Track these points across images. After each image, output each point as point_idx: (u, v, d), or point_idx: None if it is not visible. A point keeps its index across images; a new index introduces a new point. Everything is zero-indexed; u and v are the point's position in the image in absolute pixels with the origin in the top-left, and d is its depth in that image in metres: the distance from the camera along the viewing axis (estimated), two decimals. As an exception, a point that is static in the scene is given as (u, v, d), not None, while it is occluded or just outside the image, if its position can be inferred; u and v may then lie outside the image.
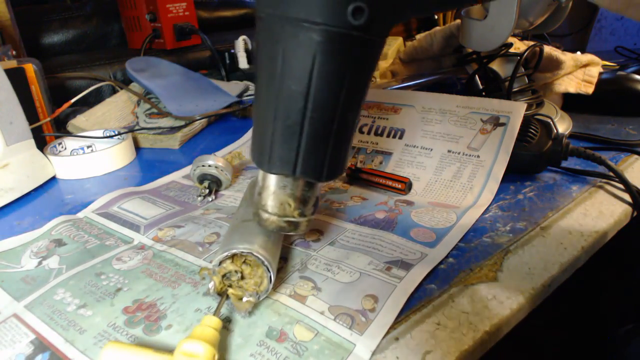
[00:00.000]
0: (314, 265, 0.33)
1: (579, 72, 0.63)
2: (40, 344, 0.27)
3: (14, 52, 0.63)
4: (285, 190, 0.30)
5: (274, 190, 0.30)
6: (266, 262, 0.28)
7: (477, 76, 0.59)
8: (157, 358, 0.24)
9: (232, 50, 0.93)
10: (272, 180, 0.30)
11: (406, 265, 0.32)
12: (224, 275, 0.29)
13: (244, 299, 0.28)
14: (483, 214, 0.40)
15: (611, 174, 0.44)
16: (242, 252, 0.28)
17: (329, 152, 0.28)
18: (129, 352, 0.24)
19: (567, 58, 0.61)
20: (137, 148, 0.63)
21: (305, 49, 0.25)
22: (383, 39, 0.27)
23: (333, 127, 0.27)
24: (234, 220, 0.34)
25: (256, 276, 0.29)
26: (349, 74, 0.26)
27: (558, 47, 0.66)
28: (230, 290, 0.29)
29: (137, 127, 0.66)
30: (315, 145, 0.27)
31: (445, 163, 0.46)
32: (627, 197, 0.43)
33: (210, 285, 0.28)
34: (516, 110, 0.45)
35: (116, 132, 0.60)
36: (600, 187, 0.45)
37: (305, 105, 0.26)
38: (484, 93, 0.59)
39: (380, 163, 0.49)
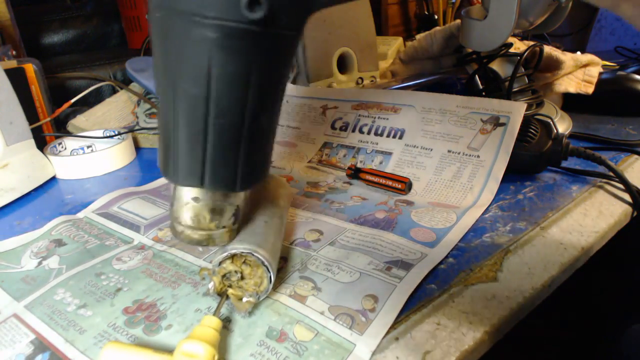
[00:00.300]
0: (314, 266, 0.33)
1: (579, 72, 0.63)
2: (40, 344, 0.27)
3: (14, 52, 0.63)
4: (198, 202, 0.27)
5: (185, 201, 0.27)
6: (266, 262, 0.28)
7: (477, 76, 0.59)
8: (157, 358, 0.24)
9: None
10: (183, 191, 0.27)
11: (406, 265, 0.32)
12: (223, 276, 0.29)
13: (244, 299, 0.28)
14: (483, 214, 0.40)
15: (611, 174, 0.44)
16: (242, 252, 0.28)
17: (242, 160, 0.25)
18: (128, 352, 0.24)
19: (567, 58, 0.61)
20: (137, 148, 0.63)
21: (199, 47, 0.22)
22: (295, 32, 0.24)
23: (243, 133, 0.24)
24: None
25: (256, 276, 0.29)
26: (255, 73, 0.23)
27: (558, 47, 0.66)
28: (230, 291, 0.29)
29: (137, 127, 0.66)
30: (223, 154, 0.25)
31: (445, 163, 0.46)
32: (627, 197, 0.43)
33: (210, 285, 0.28)
34: (516, 110, 0.45)
35: (116, 132, 0.60)
36: (600, 187, 0.45)
37: (206, 110, 0.23)
38: (484, 93, 0.59)
39: (380, 163, 0.49)
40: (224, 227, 0.28)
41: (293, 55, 0.26)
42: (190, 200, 0.27)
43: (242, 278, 0.29)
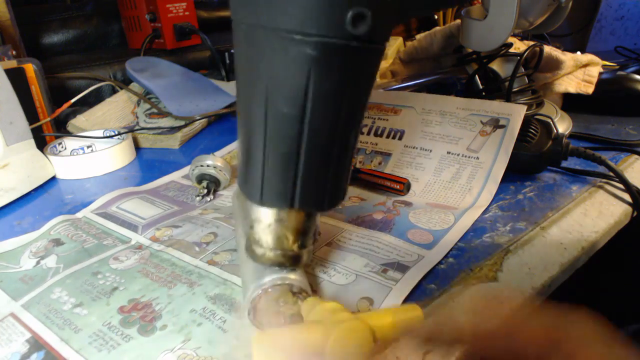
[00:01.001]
0: (310, 267, 0.33)
1: (579, 72, 0.63)
2: (36, 343, 0.27)
3: (14, 52, 0.63)
4: (283, 224, 0.26)
5: (269, 223, 0.26)
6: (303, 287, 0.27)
7: (477, 76, 0.59)
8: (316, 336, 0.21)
9: (232, 50, 0.93)
10: (267, 212, 0.26)
11: (402, 268, 0.32)
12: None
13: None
14: (483, 213, 0.40)
15: (611, 174, 0.44)
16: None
17: (330, 179, 0.25)
18: (282, 338, 0.22)
19: (567, 58, 0.61)
20: (137, 148, 0.63)
21: (298, 65, 0.21)
22: (384, 45, 0.24)
23: (334, 152, 0.24)
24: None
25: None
26: (349, 90, 0.23)
27: (558, 47, 0.65)
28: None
29: (137, 127, 0.66)
30: (315, 174, 0.24)
31: (445, 164, 0.46)
32: (627, 197, 0.43)
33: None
34: (516, 113, 0.44)
35: (116, 132, 0.60)
36: (600, 187, 0.44)
37: (300, 130, 0.22)
38: (483, 93, 0.58)
39: (380, 164, 0.49)
40: (305, 247, 0.27)
41: (379, 68, 0.26)
42: (273, 222, 0.26)
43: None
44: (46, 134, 0.60)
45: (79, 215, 0.44)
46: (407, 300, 0.29)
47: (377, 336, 0.21)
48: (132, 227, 0.40)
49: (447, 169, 0.45)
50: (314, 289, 0.30)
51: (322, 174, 0.25)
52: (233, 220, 0.37)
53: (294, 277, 0.27)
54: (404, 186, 0.44)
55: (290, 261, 0.27)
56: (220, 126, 0.71)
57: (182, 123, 0.64)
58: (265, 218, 0.26)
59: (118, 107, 0.71)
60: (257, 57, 0.22)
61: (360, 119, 0.25)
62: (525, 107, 0.45)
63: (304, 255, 0.27)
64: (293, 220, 0.26)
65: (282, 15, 0.21)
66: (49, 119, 0.60)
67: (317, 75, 0.21)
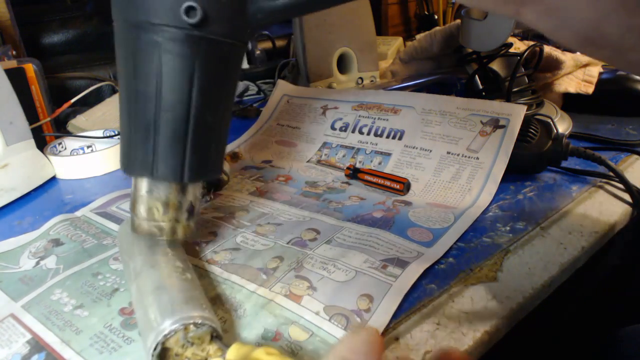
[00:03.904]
0: (310, 264, 0.33)
1: (579, 72, 0.63)
2: (37, 344, 0.27)
3: (14, 52, 0.63)
4: (152, 194, 0.29)
5: (141, 194, 0.29)
6: (213, 325, 0.25)
7: (477, 76, 0.59)
8: None
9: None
10: (141, 184, 0.29)
11: (402, 263, 0.32)
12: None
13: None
14: (483, 213, 0.40)
15: (611, 174, 0.44)
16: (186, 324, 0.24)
17: (188, 152, 0.28)
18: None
19: (567, 58, 0.61)
20: (137, 148, 0.62)
21: (149, 49, 0.26)
22: (234, 41, 0.28)
23: (189, 127, 0.28)
24: (137, 288, 0.28)
25: (205, 341, 0.25)
26: (197, 74, 0.27)
27: (558, 47, 0.65)
28: None
29: (136, 127, 0.66)
30: (171, 145, 0.28)
31: (445, 164, 0.46)
32: (627, 197, 0.43)
33: None
34: (516, 113, 0.44)
35: (116, 132, 0.60)
36: (600, 187, 0.45)
37: (156, 104, 0.27)
38: (483, 93, 0.58)
39: (380, 164, 0.49)
40: (177, 221, 0.30)
41: (237, 64, 0.30)
42: (144, 193, 0.29)
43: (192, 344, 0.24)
44: (46, 134, 0.59)
45: (78, 214, 0.44)
46: (406, 298, 0.29)
47: None
48: (133, 227, 0.40)
49: (447, 169, 0.45)
50: (313, 286, 0.30)
51: (179, 147, 0.28)
52: (121, 256, 0.34)
53: (199, 314, 0.25)
54: (404, 186, 0.44)
55: (162, 232, 0.30)
56: (220, 126, 0.71)
57: (182, 123, 0.64)
58: (140, 189, 0.30)
59: (118, 107, 0.71)
60: (122, 45, 0.27)
61: (218, 104, 0.29)
62: (525, 107, 0.45)
63: (177, 228, 0.30)
64: (161, 192, 0.29)
65: (136, 11, 0.26)
66: (49, 119, 0.60)
67: (166, 57, 0.26)
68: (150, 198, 0.29)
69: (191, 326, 0.24)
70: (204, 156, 0.29)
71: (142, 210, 0.29)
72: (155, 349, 0.23)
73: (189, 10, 0.25)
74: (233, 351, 0.23)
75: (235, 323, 0.28)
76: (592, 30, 0.16)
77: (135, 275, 0.28)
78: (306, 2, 0.28)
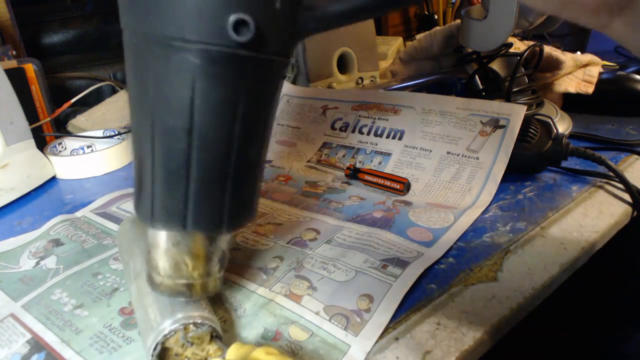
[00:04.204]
0: (310, 264, 0.33)
1: (579, 72, 0.63)
2: (37, 344, 0.27)
3: (14, 52, 0.63)
4: (179, 248, 0.24)
5: (165, 248, 0.24)
6: (213, 325, 0.25)
7: (477, 76, 0.59)
8: None
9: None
10: (162, 236, 0.24)
11: (402, 263, 0.32)
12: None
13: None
14: (483, 213, 0.40)
15: (611, 174, 0.44)
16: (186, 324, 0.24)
17: (228, 198, 0.23)
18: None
19: (567, 58, 0.61)
20: (137, 148, 0.63)
21: (181, 74, 0.20)
22: (283, 57, 0.22)
23: (229, 168, 0.22)
24: (136, 288, 0.28)
25: (205, 341, 0.25)
26: (242, 102, 0.21)
27: (558, 47, 0.65)
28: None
29: (136, 127, 0.66)
30: (208, 192, 0.22)
31: (445, 164, 0.46)
32: (627, 197, 0.43)
33: None
34: (516, 113, 0.44)
35: (116, 132, 0.60)
36: (600, 187, 0.45)
37: (189, 144, 0.21)
38: (483, 93, 0.58)
39: (380, 164, 0.49)
40: (209, 275, 0.25)
41: (281, 83, 0.24)
42: (170, 247, 0.24)
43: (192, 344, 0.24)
44: (46, 134, 0.60)
45: (78, 214, 0.44)
46: (406, 298, 0.29)
47: None
48: (133, 227, 0.40)
49: (447, 169, 0.45)
50: (313, 286, 0.30)
51: (217, 192, 0.23)
52: (121, 256, 0.33)
53: (198, 313, 0.24)
54: (404, 186, 0.44)
55: (192, 291, 0.25)
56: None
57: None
58: (161, 242, 0.24)
59: (118, 107, 0.71)
60: (141, 66, 0.21)
61: (262, 134, 0.24)
62: (525, 107, 0.45)
63: (208, 283, 0.25)
64: (190, 244, 0.24)
65: (162, 21, 0.20)
66: (49, 119, 0.60)
67: (203, 85, 0.20)
68: (176, 252, 0.24)
69: (191, 326, 0.24)
70: (245, 200, 0.24)
71: (165, 266, 0.24)
72: (155, 348, 0.23)
73: (239, 25, 0.19)
74: (233, 351, 0.23)
75: (235, 323, 0.28)
76: None
77: (135, 275, 0.28)
78: (360, 8, 0.22)
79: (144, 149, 0.22)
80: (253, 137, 0.23)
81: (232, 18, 0.19)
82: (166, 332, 0.23)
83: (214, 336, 0.25)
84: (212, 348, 0.24)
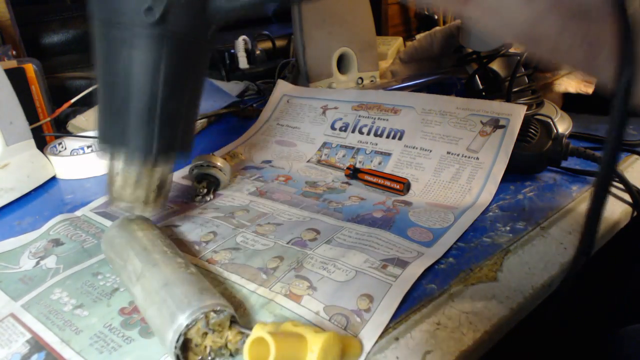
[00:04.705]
0: (310, 264, 0.33)
1: (579, 72, 0.63)
2: (36, 344, 0.27)
3: (14, 52, 0.63)
4: (125, 171, 0.34)
5: (116, 172, 0.34)
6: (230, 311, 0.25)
7: (477, 76, 0.59)
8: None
9: (232, 50, 0.93)
10: (114, 163, 0.34)
11: (402, 263, 0.32)
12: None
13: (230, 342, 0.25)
14: (483, 213, 0.40)
15: (611, 174, 0.44)
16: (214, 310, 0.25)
17: (157, 133, 0.32)
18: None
19: (568, 58, 0.61)
20: (137, 148, 0.62)
21: (119, 44, 0.30)
22: (195, 38, 0.31)
23: (156, 112, 0.31)
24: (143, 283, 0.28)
25: (225, 327, 0.25)
26: (163, 66, 0.30)
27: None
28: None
29: (136, 127, 0.66)
30: (140, 127, 0.32)
31: (445, 164, 0.46)
32: (627, 197, 0.43)
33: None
34: (516, 113, 0.44)
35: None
36: (601, 187, 0.44)
37: (126, 94, 0.31)
38: (483, 93, 0.58)
39: (379, 164, 0.49)
40: (147, 196, 0.34)
41: (201, 59, 0.34)
42: (119, 171, 0.33)
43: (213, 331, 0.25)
44: (46, 134, 0.60)
45: (78, 213, 0.44)
46: (406, 298, 0.29)
47: None
48: (132, 227, 0.40)
49: (447, 169, 0.45)
50: (313, 286, 0.30)
51: (147, 128, 0.32)
52: (113, 262, 0.33)
53: (216, 301, 0.25)
54: (404, 186, 0.44)
55: (134, 206, 0.34)
56: (220, 126, 0.71)
57: (182, 123, 0.64)
58: (113, 167, 0.34)
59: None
60: (99, 42, 0.31)
61: (183, 94, 0.33)
62: (525, 107, 0.45)
63: (148, 204, 0.35)
64: (133, 169, 0.33)
65: (109, 10, 0.30)
66: (49, 119, 0.60)
67: (132, 53, 0.30)
68: (124, 175, 0.34)
69: (211, 313, 0.25)
70: (171, 136, 0.33)
71: (116, 186, 0.34)
72: (177, 340, 0.24)
73: (148, 11, 0.29)
74: (259, 328, 0.23)
75: (235, 323, 0.28)
76: (530, 30, 0.16)
77: (138, 276, 0.28)
78: (260, 2, 0.32)
79: (100, 98, 0.33)
80: (174, 95, 0.32)
81: (144, 6, 0.28)
82: (188, 322, 0.24)
83: (233, 322, 0.25)
84: (231, 333, 0.25)
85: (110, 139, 0.33)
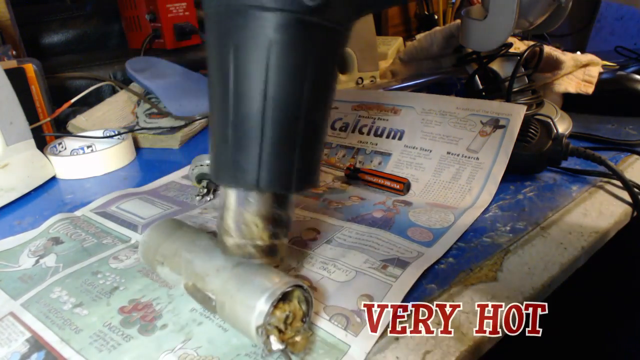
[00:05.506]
0: (310, 264, 0.33)
1: (579, 72, 0.63)
2: (36, 343, 0.27)
3: (14, 52, 0.63)
4: (250, 207, 0.25)
5: (235, 208, 0.25)
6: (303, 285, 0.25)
7: (477, 76, 0.59)
8: None
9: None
10: (234, 196, 0.25)
11: (402, 264, 0.32)
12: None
13: (298, 338, 0.25)
14: (483, 213, 0.40)
15: (611, 174, 0.44)
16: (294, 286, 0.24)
17: (297, 158, 0.24)
18: None
19: (567, 58, 0.61)
20: (137, 148, 0.63)
21: (259, 39, 0.22)
22: (344, 29, 0.24)
23: (299, 127, 0.24)
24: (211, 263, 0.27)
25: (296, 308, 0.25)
26: (311, 65, 0.23)
27: (558, 47, 0.66)
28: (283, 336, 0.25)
29: (137, 127, 0.66)
30: (280, 150, 0.24)
31: (445, 164, 0.46)
32: (627, 197, 0.43)
33: (273, 341, 0.24)
34: (516, 113, 0.44)
35: (116, 132, 0.60)
36: (600, 187, 0.45)
37: (264, 104, 0.23)
38: (483, 93, 0.58)
39: (379, 164, 0.49)
40: (276, 237, 0.26)
41: (340, 54, 0.26)
42: (241, 207, 0.25)
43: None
44: (46, 134, 0.60)
45: (77, 213, 0.44)
46: (406, 298, 0.29)
47: None
48: (132, 226, 0.40)
49: (447, 169, 0.45)
50: (314, 286, 0.30)
51: (289, 151, 0.24)
52: (166, 258, 0.30)
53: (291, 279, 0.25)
54: (404, 186, 0.44)
55: (261, 252, 0.26)
56: (220, 126, 0.71)
57: (182, 123, 0.64)
58: (233, 202, 0.25)
59: (118, 107, 0.71)
60: (223, 37, 0.23)
61: (325, 100, 0.26)
62: (525, 107, 0.45)
63: (277, 247, 0.26)
64: (262, 204, 0.25)
65: None
66: (49, 119, 0.60)
67: (278, 48, 0.22)
68: (247, 212, 0.25)
69: (297, 290, 0.25)
70: (311, 160, 0.26)
71: (235, 227, 0.25)
72: (272, 304, 0.23)
73: None
74: None
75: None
76: None
77: (217, 268, 0.26)
78: None
79: (222, 112, 0.24)
80: (319, 101, 0.25)
81: None
82: (286, 288, 0.24)
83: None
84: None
85: (238, 169, 0.24)
